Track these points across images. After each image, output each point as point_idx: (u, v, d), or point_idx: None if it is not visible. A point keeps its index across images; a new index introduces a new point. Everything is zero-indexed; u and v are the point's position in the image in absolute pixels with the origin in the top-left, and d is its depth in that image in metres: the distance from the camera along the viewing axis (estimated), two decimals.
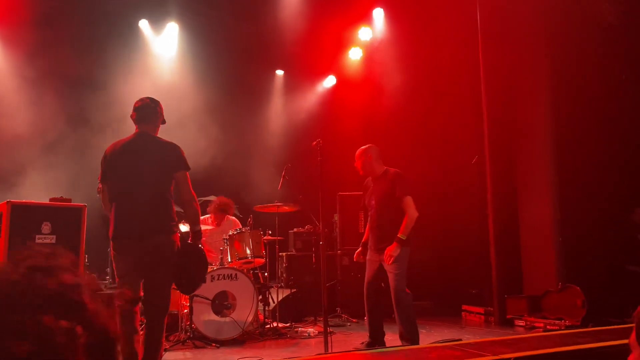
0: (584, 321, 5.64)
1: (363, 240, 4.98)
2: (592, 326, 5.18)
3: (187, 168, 3.62)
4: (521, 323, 6.17)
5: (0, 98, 7.24)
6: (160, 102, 3.83)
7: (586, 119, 6.36)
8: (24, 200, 5.57)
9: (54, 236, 5.24)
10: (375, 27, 8.81)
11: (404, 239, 4.55)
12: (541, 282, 6.55)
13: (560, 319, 5.87)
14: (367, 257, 4.85)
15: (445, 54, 7.78)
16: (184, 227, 5.00)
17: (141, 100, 3.74)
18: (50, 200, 4.88)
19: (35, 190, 6.36)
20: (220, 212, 6.22)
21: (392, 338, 4.84)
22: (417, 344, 4.48)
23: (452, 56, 7.78)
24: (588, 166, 6.26)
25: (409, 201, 4.63)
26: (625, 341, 2.95)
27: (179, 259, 3.48)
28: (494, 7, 6.81)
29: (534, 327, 5.95)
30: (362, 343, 4.87)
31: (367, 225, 4.94)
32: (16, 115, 7.15)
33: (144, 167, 3.51)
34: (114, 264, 3.55)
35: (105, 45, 7.68)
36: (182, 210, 3.69)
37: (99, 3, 7.66)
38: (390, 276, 4.57)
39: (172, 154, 3.60)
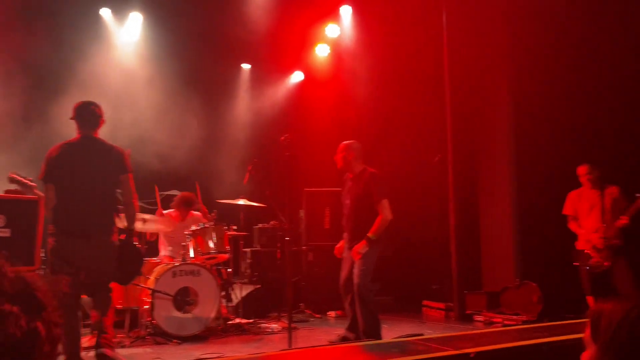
0: (540, 316, 5.83)
1: (345, 235, 5.01)
2: (548, 321, 5.37)
3: (131, 171, 3.88)
4: (480, 318, 6.33)
5: None
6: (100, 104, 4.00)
7: (545, 120, 6.56)
8: None
9: (9, 229, 5.05)
10: (342, 24, 8.83)
11: (373, 239, 4.59)
12: (500, 278, 6.74)
13: (518, 315, 6.05)
14: (343, 255, 4.89)
15: (411, 53, 7.87)
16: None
17: (83, 103, 3.88)
18: (5, 192, 4.68)
19: None
20: (184, 207, 6.12)
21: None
22: (379, 339, 4.54)
23: (418, 55, 7.88)
24: (546, 166, 6.46)
25: (384, 204, 4.68)
26: (580, 335, 3.06)
27: (117, 254, 3.73)
28: (459, 6, 6.93)
29: (492, 323, 6.11)
30: (339, 336, 4.92)
31: (343, 220, 4.98)
32: None
33: (92, 170, 3.73)
34: (51, 257, 3.71)
35: (65, 33, 7.42)
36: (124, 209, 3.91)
37: None
38: (356, 271, 4.63)
39: (118, 158, 3.83)
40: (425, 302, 7.36)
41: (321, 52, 9.02)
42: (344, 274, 4.86)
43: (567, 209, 5.70)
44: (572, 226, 5.65)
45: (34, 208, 5.78)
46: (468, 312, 6.51)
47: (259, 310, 6.34)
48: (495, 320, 6.13)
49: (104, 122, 3.96)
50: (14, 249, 4.39)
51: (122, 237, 3.82)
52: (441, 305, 6.95)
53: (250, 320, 5.93)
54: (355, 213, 4.78)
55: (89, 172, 3.71)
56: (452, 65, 6.82)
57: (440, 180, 7.37)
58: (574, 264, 5.52)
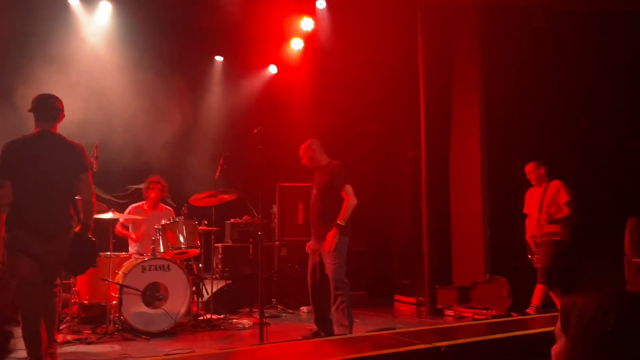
0: (508, 311, 5.93)
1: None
2: (517, 315, 5.47)
3: (90, 169, 3.83)
4: (451, 313, 6.40)
5: None
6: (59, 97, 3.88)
7: (517, 117, 6.66)
8: None
9: None
10: (317, 18, 8.79)
11: (342, 224, 4.62)
12: (470, 273, 6.82)
13: (487, 309, 6.14)
14: (310, 247, 4.88)
15: (385, 47, 7.89)
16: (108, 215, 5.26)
17: (42, 96, 3.76)
18: None
19: None
20: (162, 189, 6.00)
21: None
22: (350, 333, 4.54)
23: (392, 50, 7.90)
24: (515, 165, 6.56)
25: (348, 189, 4.74)
26: (548, 329, 3.10)
27: (70, 246, 3.67)
28: (434, 3, 6.96)
29: (462, 317, 6.18)
30: (310, 331, 4.89)
31: (310, 210, 4.99)
32: None
33: (50, 167, 3.63)
34: (7, 251, 3.63)
35: (32, 22, 7.18)
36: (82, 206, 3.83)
37: None
38: (329, 267, 4.62)
39: (77, 155, 3.75)
40: (397, 297, 7.41)
41: (295, 45, 8.96)
42: (310, 266, 4.85)
43: (524, 207, 5.90)
44: (526, 222, 5.84)
45: None
46: (439, 306, 6.58)
47: (230, 305, 6.28)
48: (465, 314, 6.21)
49: (63, 117, 3.85)
50: None
51: (76, 229, 3.74)
52: (412, 300, 7.01)
53: (222, 316, 5.87)
54: (321, 202, 4.82)
55: (47, 168, 3.63)
56: (426, 61, 6.86)
57: (414, 177, 7.42)
58: (528, 257, 5.75)
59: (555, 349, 1.29)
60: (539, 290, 5.50)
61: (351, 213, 4.71)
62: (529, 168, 5.82)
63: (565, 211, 5.49)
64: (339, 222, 4.62)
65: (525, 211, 5.88)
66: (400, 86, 8.04)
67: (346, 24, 8.41)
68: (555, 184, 5.64)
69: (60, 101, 3.81)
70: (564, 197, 5.54)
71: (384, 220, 8.40)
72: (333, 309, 4.64)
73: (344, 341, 3.15)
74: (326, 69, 8.44)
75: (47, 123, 3.71)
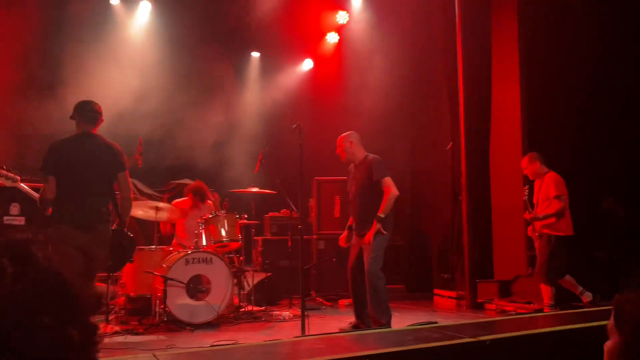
0: (552, 305, 5.81)
1: (348, 224, 5.02)
2: (560, 310, 5.35)
3: (127, 168, 4.09)
4: (492, 307, 6.31)
5: None
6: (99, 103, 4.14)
7: (558, 106, 6.48)
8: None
9: (23, 217, 5.10)
10: (352, 11, 8.76)
11: (383, 217, 4.61)
12: (511, 267, 6.70)
13: (530, 303, 6.03)
14: (352, 242, 4.91)
15: (422, 38, 7.80)
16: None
17: (83, 102, 4.06)
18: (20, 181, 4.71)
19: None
20: (196, 197, 6.13)
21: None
22: (389, 327, 4.54)
23: (430, 39, 7.80)
24: (558, 154, 6.39)
25: (388, 181, 4.72)
26: (594, 323, 3.03)
27: (112, 244, 3.95)
28: None
29: (504, 311, 6.09)
30: (350, 324, 4.93)
31: (350, 207, 5.00)
32: None
33: (90, 166, 3.90)
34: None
35: (76, 25, 7.42)
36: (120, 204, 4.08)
37: None
38: (366, 259, 4.63)
39: (116, 155, 4.00)
40: (436, 291, 7.35)
41: (331, 39, 8.96)
42: (351, 260, 4.87)
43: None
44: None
45: None
46: (479, 300, 6.50)
47: (270, 297, 6.38)
48: (507, 308, 6.12)
49: (102, 120, 4.10)
50: None
51: (114, 227, 4.00)
52: (452, 294, 6.94)
53: (262, 308, 5.97)
54: (361, 198, 4.81)
55: (88, 166, 3.88)
56: (465, 50, 6.74)
57: (453, 168, 7.33)
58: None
59: (608, 345, 1.26)
60: (543, 289, 5.50)
61: (392, 204, 4.69)
62: (523, 164, 5.82)
63: (553, 205, 5.45)
64: (379, 214, 4.62)
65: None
66: (438, 75, 7.94)
67: (381, 15, 8.36)
68: (547, 177, 5.61)
69: (99, 106, 4.08)
70: (552, 191, 5.50)
71: (423, 213, 8.34)
72: (369, 302, 4.65)
73: (386, 334, 3.17)
74: (362, 62, 8.41)
75: (88, 125, 3.97)
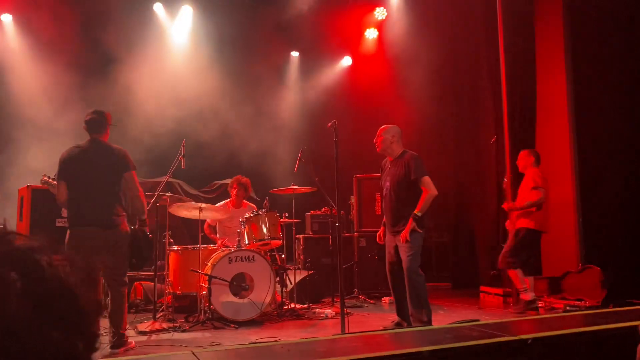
0: (604, 302, 5.58)
1: (384, 220, 4.99)
2: (613, 307, 5.12)
3: (133, 168, 4.27)
4: (540, 304, 6.10)
5: (14, 83, 7.31)
6: (103, 111, 4.39)
7: (608, 97, 6.20)
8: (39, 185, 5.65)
9: None
10: (390, 7, 8.67)
11: (419, 215, 4.55)
12: (561, 263, 6.48)
13: (580, 300, 5.81)
14: (386, 239, 4.87)
15: (463, 30, 7.63)
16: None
17: (89, 114, 4.33)
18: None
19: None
20: (240, 188, 6.23)
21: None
22: (430, 324, 4.48)
23: (470, 32, 7.63)
24: (609, 145, 6.13)
25: (427, 180, 4.64)
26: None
27: (130, 242, 4.17)
28: None
29: (553, 308, 5.89)
30: (392, 322, 4.91)
31: (383, 203, 4.94)
32: (32, 100, 7.23)
33: (97, 169, 4.15)
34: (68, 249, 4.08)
35: (120, 29, 7.69)
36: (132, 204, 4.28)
37: None
38: (404, 257, 4.58)
39: (119, 157, 4.22)
40: (482, 288, 7.19)
41: (370, 35, 8.91)
42: (388, 258, 4.83)
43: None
44: None
45: None
46: None
47: (312, 295, 6.40)
48: (556, 306, 5.92)
49: (108, 126, 4.35)
50: None
51: (134, 227, 4.24)
52: (499, 291, 6.77)
53: (305, 305, 6.00)
54: (395, 195, 4.73)
55: (95, 170, 4.14)
56: (507, 44, 6.55)
57: (497, 162, 7.15)
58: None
59: None
60: (511, 274, 5.70)
61: (430, 203, 4.63)
62: (520, 155, 5.96)
63: (532, 195, 5.62)
64: (416, 212, 4.56)
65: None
66: (480, 68, 7.75)
67: (420, 9, 8.23)
68: (530, 171, 5.76)
69: (103, 115, 4.34)
70: (531, 183, 5.65)
71: (467, 209, 8.17)
72: (409, 300, 4.59)
73: (424, 332, 3.13)
74: (402, 57, 8.32)
75: (96, 134, 4.26)
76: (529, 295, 5.59)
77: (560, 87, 6.66)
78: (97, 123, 4.28)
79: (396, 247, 4.70)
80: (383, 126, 4.94)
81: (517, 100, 6.64)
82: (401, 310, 4.81)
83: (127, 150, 4.32)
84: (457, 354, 2.42)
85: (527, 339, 2.55)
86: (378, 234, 5.04)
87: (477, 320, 3.55)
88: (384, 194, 4.93)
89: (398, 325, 4.78)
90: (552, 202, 6.87)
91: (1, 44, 7.57)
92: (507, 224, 5.97)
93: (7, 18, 7.63)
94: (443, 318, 5.38)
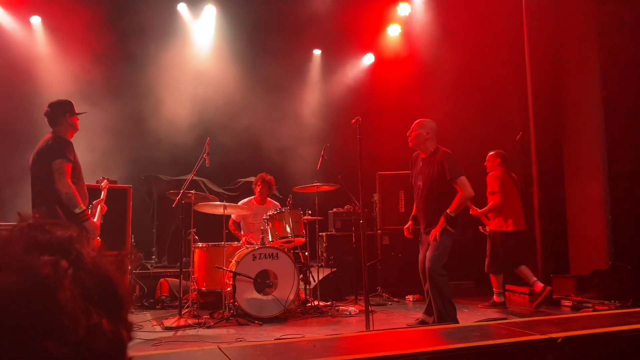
0: (635, 302, 5.44)
1: (412, 214, 4.93)
2: None
3: (58, 157, 3.90)
4: (568, 303, 6.01)
5: (44, 83, 7.47)
6: (65, 101, 4.20)
7: (638, 91, 6.04)
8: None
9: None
10: (413, 3, 8.60)
11: (452, 215, 4.48)
12: (589, 261, 6.34)
13: (610, 299, 5.68)
14: (420, 240, 4.83)
15: (486, 25, 7.52)
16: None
17: (46, 107, 4.17)
18: (97, 182, 5.02)
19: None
20: (264, 186, 6.26)
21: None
22: (456, 323, 4.43)
23: (494, 27, 7.52)
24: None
25: (463, 180, 4.51)
26: None
27: None
28: None
29: (581, 307, 5.78)
30: (417, 319, 4.89)
31: (415, 202, 4.87)
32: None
33: (35, 162, 4.01)
34: None
35: (145, 30, 7.80)
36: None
37: None
38: (429, 255, 4.54)
39: (49, 146, 3.97)
40: (508, 287, 7.08)
41: (392, 32, 8.85)
42: (421, 257, 4.78)
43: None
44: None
45: (124, 196, 6.19)
46: (555, 296, 6.19)
47: (336, 293, 6.41)
48: (585, 305, 5.80)
49: (50, 120, 4.12)
50: (107, 235, 4.72)
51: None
52: (525, 289, 6.66)
53: (328, 303, 6.01)
54: (429, 194, 4.64)
55: (34, 164, 4.02)
56: (532, 38, 6.44)
57: (523, 159, 7.03)
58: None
59: None
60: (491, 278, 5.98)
61: (464, 205, 4.59)
62: (487, 158, 6.21)
63: (489, 201, 5.95)
64: (449, 212, 4.47)
65: None
66: (504, 63, 7.63)
67: (443, 4, 8.15)
68: (489, 176, 6.03)
69: (58, 107, 4.13)
70: (488, 188, 5.96)
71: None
72: (432, 298, 4.54)
73: (451, 330, 3.09)
74: (425, 53, 8.25)
75: (53, 127, 4.11)
76: (500, 298, 5.88)
77: (589, 83, 6.51)
78: (49, 117, 4.12)
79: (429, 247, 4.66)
80: (418, 120, 4.80)
81: (543, 94, 6.51)
82: (428, 308, 4.76)
83: (62, 138, 4.04)
84: (484, 352, 2.38)
85: (557, 338, 2.50)
86: (405, 227, 4.98)
87: (504, 319, 3.51)
88: (415, 192, 4.84)
89: (422, 323, 4.74)
90: (581, 199, 6.74)
91: (31, 45, 7.74)
92: (480, 228, 6.25)
93: (36, 20, 7.80)
94: (468, 317, 5.33)
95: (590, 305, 5.74)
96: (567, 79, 6.95)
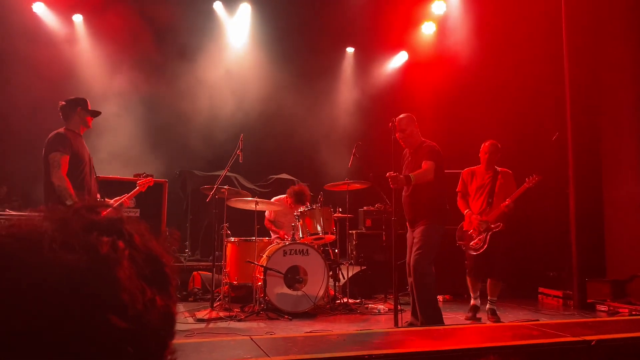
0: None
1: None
2: None
3: (54, 150, 3.99)
4: (603, 308, 5.86)
5: (81, 81, 7.70)
6: (80, 98, 4.31)
7: None
8: (109, 176, 5.96)
9: (138, 210, 5.58)
10: (449, 1, 8.52)
11: (412, 180, 4.37)
12: (627, 265, 6.18)
13: None
14: (407, 235, 4.76)
15: (523, 23, 7.39)
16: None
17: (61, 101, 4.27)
18: (134, 175, 5.17)
19: (113, 166, 6.72)
20: (296, 201, 6.26)
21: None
22: (442, 324, 4.32)
23: (531, 25, 7.38)
24: None
25: (431, 165, 4.45)
26: None
27: None
28: None
29: (617, 313, 5.63)
30: (406, 322, 4.80)
31: (403, 196, 4.79)
32: (98, 96, 7.60)
33: (42, 159, 4.09)
34: None
35: (182, 27, 7.96)
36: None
37: None
38: (414, 252, 4.41)
39: (48, 141, 4.06)
40: (541, 290, 6.96)
41: (427, 30, 8.78)
42: (408, 253, 4.70)
43: (459, 186, 5.58)
44: (460, 204, 5.52)
45: (160, 190, 6.35)
46: (589, 301, 6.05)
47: (365, 290, 6.42)
48: (621, 310, 5.65)
49: (62, 115, 4.25)
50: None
51: None
52: (559, 293, 6.54)
53: (358, 301, 6.02)
54: (414, 187, 4.55)
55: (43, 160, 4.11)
56: (570, 36, 6.29)
57: (559, 160, 6.89)
58: (457, 243, 5.48)
59: None
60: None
61: (423, 178, 4.42)
62: (486, 148, 5.47)
63: (509, 200, 5.33)
64: (411, 175, 4.36)
65: (458, 189, 5.57)
66: (541, 63, 7.48)
67: (479, 3, 8.04)
68: (507, 172, 5.53)
69: (69, 103, 4.25)
70: (512, 187, 5.43)
71: (525, 207, 7.91)
72: (416, 299, 4.41)
73: (484, 329, 3.08)
74: (460, 52, 8.16)
75: (65, 122, 4.23)
76: (475, 302, 5.41)
77: (628, 83, 6.34)
78: (62, 111, 4.25)
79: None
80: (397, 118, 4.68)
81: (580, 92, 6.35)
82: (415, 311, 4.64)
83: (57, 133, 4.12)
84: (516, 352, 2.37)
85: (590, 341, 2.46)
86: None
87: (537, 320, 3.46)
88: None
89: (411, 325, 4.64)
90: (619, 201, 6.56)
91: (74, 43, 8.00)
92: (467, 225, 5.43)
93: (78, 18, 8.05)
94: (500, 318, 5.26)
95: (626, 310, 5.59)
96: (605, 78, 6.77)
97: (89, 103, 4.33)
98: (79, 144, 4.19)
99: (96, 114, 4.38)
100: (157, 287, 0.63)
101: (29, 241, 0.58)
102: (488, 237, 5.25)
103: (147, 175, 5.10)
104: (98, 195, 4.36)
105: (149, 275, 0.62)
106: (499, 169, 5.51)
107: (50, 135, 4.13)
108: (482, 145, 5.53)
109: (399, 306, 4.46)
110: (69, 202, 3.90)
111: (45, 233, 0.59)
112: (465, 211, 5.44)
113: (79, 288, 0.56)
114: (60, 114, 4.27)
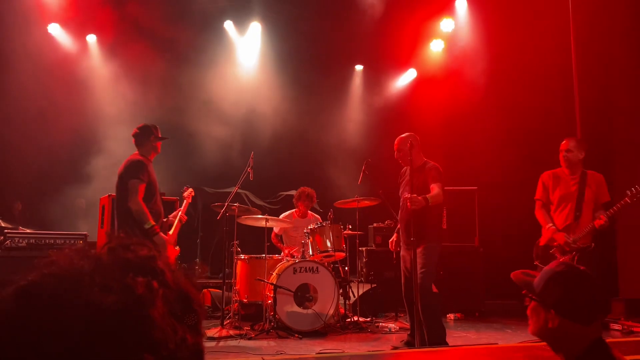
0: None
1: (397, 227, 4.88)
2: None
3: (132, 177, 4.31)
4: (617, 327, 5.78)
5: (94, 100, 7.82)
6: (152, 125, 4.62)
7: None
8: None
9: None
10: (457, 18, 8.58)
11: (429, 202, 4.31)
12: None
13: None
14: (401, 253, 4.75)
15: (532, 40, 7.41)
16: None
17: (135, 129, 4.60)
18: (182, 190, 5.19)
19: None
20: (306, 201, 6.33)
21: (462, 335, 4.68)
22: (445, 345, 4.27)
23: (540, 41, 7.40)
24: None
25: (438, 186, 4.42)
26: None
27: None
28: None
29: (632, 332, 5.55)
30: (402, 341, 4.76)
31: (399, 214, 4.79)
32: (113, 115, 7.70)
33: (117, 186, 4.43)
34: None
35: (193, 46, 8.08)
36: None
37: (186, 3, 8.06)
38: (419, 274, 4.38)
39: (126, 168, 4.37)
40: None
41: (435, 47, 8.84)
42: (403, 271, 4.69)
43: (538, 193, 4.82)
44: (540, 215, 4.76)
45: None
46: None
47: (376, 308, 6.38)
48: (635, 329, 5.56)
49: (134, 142, 4.56)
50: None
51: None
52: None
53: (368, 319, 5.98)
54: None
55: (117, 187, 4.45)
56: (580, 52, 6.30)
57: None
58: (535, 262, 4.71)
59: None
60: None
61: (438, 200, 4.40)
62: (565, 146, 4.67)
63: (604, 217, 4.40)
64: (427, 197, 4.29)
65: (537, 197, 4.82)
66: (550, 80, 7.49)
67: (488, 20, 8.09)
68: (599, 177, 4.63)
69: (143, 130, 4.56)
70: (605, 197, 4.57)
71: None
72: (422, 318, 4.35)
73: (494, 350, 3.05)
74: (468, 69, 8.19)
75: (138, 148, 4.55)
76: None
77: (637, 90, 6.32)
78: (136, 138, 4.56)
79: (411, 263, 4.46)
80: (399, 137, 4.76)
81: (590, 103, 6.33)
82: (413, 328, 4.58)
83: (138, 160, 4.42)
84: None
85: None
86: (390, 240, 4.93)
87: None
88: (401, 203, 4.78)
89: (408, 344, 4.58)
90: (631, 216, 6.50)
91: (88, 63, 8.15)
92: (547, 241, 4.74)
93: (92, 38, 8.21)
94: (511, 337, 5.21)
95: None
96: (616, 86, 6.75)
97: (159, 130, 4.64)
98: (152, 171, 4.50)
99: (164, 139, 4.69)
100: (188, 324, 0.65)
101: (70, 282, 0.60)
102: (576, 258, 4.46)
103: (188, 188, 5.17)
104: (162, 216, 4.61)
105: (180, 313, 0.65)
106: (587, 171, 4.67)
107: (129, 161, 4.43)
108: (562, 144, 4.76)
109: (407, 324, 4.42)
110: (146, 226, 4.24)
111: (85, 273, 0.61)
112: (548, 226, 4.65)
113: (118, 328, 0.58)
114: (134, 140, 4.57)
